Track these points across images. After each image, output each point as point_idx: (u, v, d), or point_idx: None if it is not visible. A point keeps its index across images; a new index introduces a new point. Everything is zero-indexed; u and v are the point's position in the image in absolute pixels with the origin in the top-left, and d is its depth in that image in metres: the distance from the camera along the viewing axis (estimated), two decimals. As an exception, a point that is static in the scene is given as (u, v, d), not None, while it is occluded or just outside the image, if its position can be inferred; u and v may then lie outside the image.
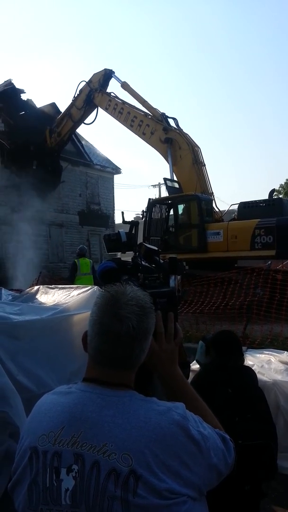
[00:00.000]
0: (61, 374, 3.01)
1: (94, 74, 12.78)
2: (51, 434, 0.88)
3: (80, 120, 13.52)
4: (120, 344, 0.92)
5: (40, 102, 16.65)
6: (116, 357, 0.93)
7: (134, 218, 18.47)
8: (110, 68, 12.59)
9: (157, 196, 23.10)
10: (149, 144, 11.41)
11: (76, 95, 13.17)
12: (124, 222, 1.35)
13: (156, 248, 1.38)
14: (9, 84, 15.23)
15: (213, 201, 10.65)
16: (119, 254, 1.55)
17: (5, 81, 15.21)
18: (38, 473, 0.86)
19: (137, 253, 1.31)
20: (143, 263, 1.28)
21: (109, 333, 0.92)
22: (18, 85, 15.85)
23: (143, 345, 0.95)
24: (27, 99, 16.43)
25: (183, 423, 0.88)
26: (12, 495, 0.92)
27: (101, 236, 19.31)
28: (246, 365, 2.23)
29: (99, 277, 1.28)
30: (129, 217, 18.02)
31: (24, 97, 16.22)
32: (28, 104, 16.38)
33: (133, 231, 1.36)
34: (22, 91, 15.96)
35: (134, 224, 1.36)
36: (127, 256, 1.42)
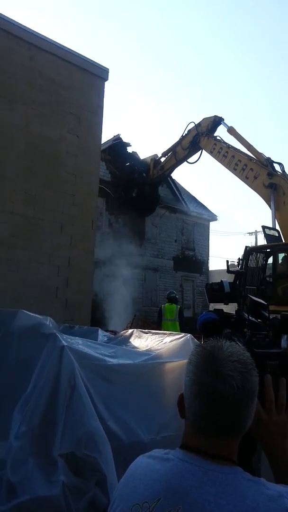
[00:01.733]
0: (151, 425, 2.90)
1: (204, 119, 13.11)
2: (145, 504, 0.80)
3: (183, 159, 13.91)
4: (225, 408, 0.81)
5: (143, 153, 17.72)
6: (220, 423, 0.81)
7: (229, 266, 18.05)
8: (220, 116, 12.88)
9: (253, 244, 22.42)
10: (252, 189, 11.21)
11: (183, 134, 13.63)
12: (228, 271, 1.27)
13: (264, 302, 1.26)
14: (117, 139, 16.58)
15: None
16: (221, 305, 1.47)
17: (114, 136, 16.60)
18: None
19: (241, 306, 1.21)
20: (250, 318, 1.16)
21: (212, 395, 0.81)
22: (125, 139, 17.19)
23: (250, 408, 0.84)
24: (132, 151, 17.66)
25: None
26: None
27: (194, 282, 19.20)
28: None
29: (199, 329, 1.21)
30: (222, 265, 17.63)
31: (130, 149, 17.48)
32: (133, 156, 17.56)
33: (238, 282, 1.27)
34: (128, 145, 17.23)
35: (240, 274, 1.27)
36: (229, 308, 1.33)
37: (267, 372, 0.96)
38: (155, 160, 15.17)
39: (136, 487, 0.84)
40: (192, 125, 13.35)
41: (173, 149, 14.27)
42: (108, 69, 8.79)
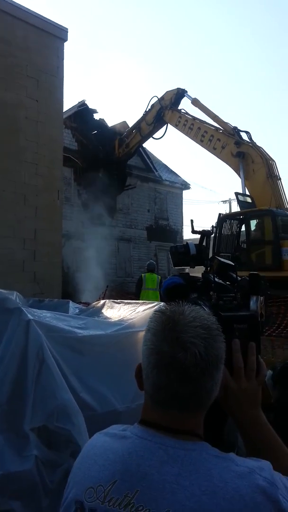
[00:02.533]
0: (125, 393, 2.89)
1: (167, 92, 12.95)
2: (99, 488, 0.72)
3: (149, 135, 13.81)
4: (186, 378, 0.73)
5: (112, 120, 17.23)
6: (181, 394, 0.73)
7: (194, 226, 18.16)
8: (183, 88, 12.68)
9: (228, 212, 22.61)
10: (220, 159, 11.22)
11: (147, 110, 13.42)
12: (193, 232, 1.18)
13: (232, 263, 1.18)
14: (82, 105, 15.95)
15: (290, 216, 10.08)
16: (187, 269, 1.38)
17: (79, 102, 15.96)
18: None
19: (208, 268, 1.13)
20: (216, 279, 1.08)
21: (172, 365, 0.73)
22: (91, 105, 16.59)
23: (214, 378, 0.76)
24: (100, 118, 17.11)
25: (270, 492, 0.67)
26: None
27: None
28: None
29: (164, 294, 1.12)
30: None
31: (96, 116, 16.91)
32: (101, 123, 17.02)
33: (204, 243, 1.18)
34: (94, 111, 16.65)
35: (205, 234, 1.17)
36: (197, 272, 1.25)
37: (235, 337, 0.89)
38: (119, 139, 14.86)
39: (90, 468, 0.76)
40: (155, 99, 13.19)
41: (137, 126, 14.05)
42: (67, 28, 8.34)
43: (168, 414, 0.76)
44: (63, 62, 8.16)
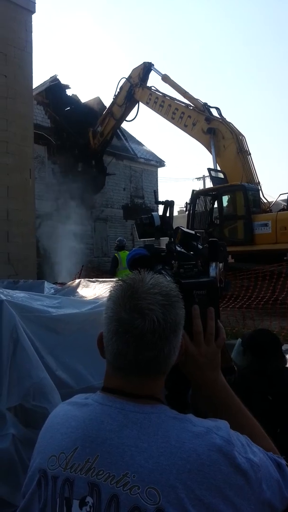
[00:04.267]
0: (101, 370, 2.92)
1: (134, 69, 12.78)
2: (62, 455, 0.73)
3: (122, 118, 13.61)
4: (144, 344, 0.74)
5: (85, 97, 16.77)
6: (140, 360, 0.75)
7: (178, 212, 18.13)
8: (149, 61, 12.49)
9: (201, 189, 22.66)
10: (192, 136, 11.19)
11: (116, 93, 13.25)
12: (157, 202, 1.17)
13: (194, 232, 1.18)
14: (54, 80, 15.42)
15: (260, 191, 10.20)
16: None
17: (50, 77, 15.41)
18: (47, 502, 0.72)
19: (172, 239, 1.13)
20: (178, 248, 1.08)
21: (130, 332, 0.74)
22: (63, 80, 16.05)
23: (172, 343, 0.77)
24: (72, 94, 16.62)
25: (226, 449, 0.70)
26: None
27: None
28: None
29: (128, 266, 1.12)
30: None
31: (69, 92, 16.42)
32: (73, 99, 16.56)
33: (168, 214, 1.17)
34: (67, 87, 16.15)
35: (168, 204, 1.16)
36: (163, 243, 1.25)
37: (194, 303, 0.90)
38: (92, 130, 14.55)
39: (53, 437, 0.77)
40: (123, 80, 12.95)
41: (109, 111, 13.85)
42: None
43: (128, 380, 0.77)
44: (31, 35, 7.81)
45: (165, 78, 11.95)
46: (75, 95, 16.83)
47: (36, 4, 8.02)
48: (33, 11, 7.95)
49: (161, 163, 20.51)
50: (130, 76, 12.78)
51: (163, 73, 12.07)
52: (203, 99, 11.30)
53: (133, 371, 0.76)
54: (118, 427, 0.72)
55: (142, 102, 12.57)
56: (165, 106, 11.80)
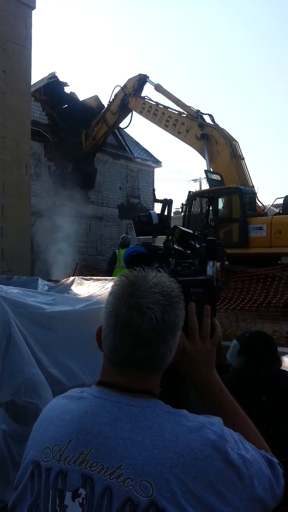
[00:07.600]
0: (94, 368, 2.93)
1: (129, 79, 12.88)
2: (56, 447, 0.74)
3: (115, 125, 13.75)
4: (141, 342, 0.74)
5: (83, 94, 16.74)
6: (136, 357, 0.75)
7: (173, 213, 18.15)
8: (145, 74, 12.71)
9: (198, 190, 22.72)
10: (185, 143, 11.35)
11: (111, 99, 13.32)
12: (155, 200, 1.18)
13: (192, 231, 1.19)
14: (53, 77, 15.34)
15: (256, 194, 10.26)
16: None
17: (49, 74, 15.32)
18: (40, 494, 0.72)
19: (169, 237, 1.14)
20: (175, 246, 1.09)
21: (127, 328, 0.75)
22: (61, 78, 16.00)
23: (169, 343, 0.77)
24: (71, 92, 16.57)
25: (219, 444, 0.71)
26: None
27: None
28: (284, 369, 2.01)
29: (126, 264, 1.12)
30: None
31: (67, 90, 16.37)
32: (72, 97, 16.50)
33: (166, 212, 1.18)
34: (65, 84, 16.08)
35: (166, 203, 1.17)
36: (160, 242, 1.25)
37: (191, 301, 0.90)
38: (85, 132, 14.59)
39: (48, 430, 0.77)
40: (118, 88, 13.05)
41: (102, 116, 13.90)
42: (35, -5, 7.92)
43: (124, 375, 0.77)
44: (31, 31, 7.81)
45: (158, 88, 12.17)
46: (73, 93, 16.77)
47: (36, 0, 8.01)
48: (33, 7, 7.94)
49: (158, 163, 20.53)
50: (125, 86, 12.92)
51: (162, 77, 12.39)
52: (203, 105, 11.46)
53: (129, 367, 0.77)
54: (113, 420, 0.72)
55: (135, 111, 12.73)
56: (158, 115, 11.98)
